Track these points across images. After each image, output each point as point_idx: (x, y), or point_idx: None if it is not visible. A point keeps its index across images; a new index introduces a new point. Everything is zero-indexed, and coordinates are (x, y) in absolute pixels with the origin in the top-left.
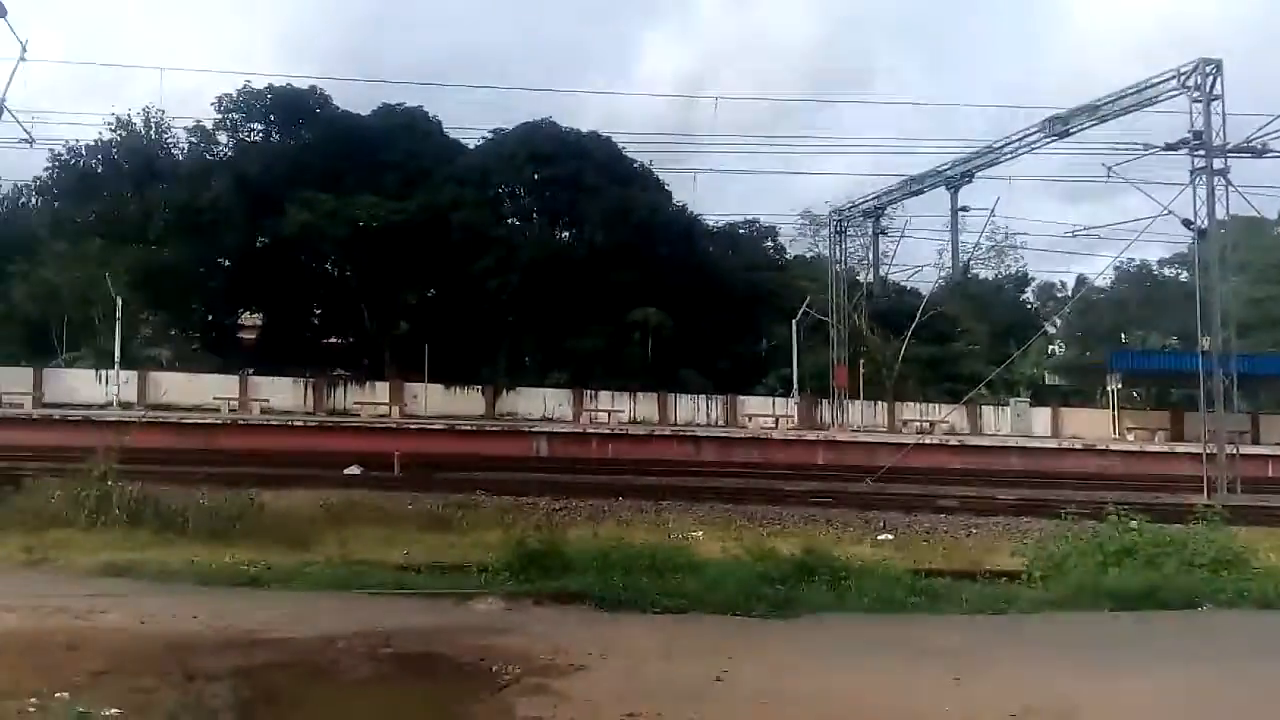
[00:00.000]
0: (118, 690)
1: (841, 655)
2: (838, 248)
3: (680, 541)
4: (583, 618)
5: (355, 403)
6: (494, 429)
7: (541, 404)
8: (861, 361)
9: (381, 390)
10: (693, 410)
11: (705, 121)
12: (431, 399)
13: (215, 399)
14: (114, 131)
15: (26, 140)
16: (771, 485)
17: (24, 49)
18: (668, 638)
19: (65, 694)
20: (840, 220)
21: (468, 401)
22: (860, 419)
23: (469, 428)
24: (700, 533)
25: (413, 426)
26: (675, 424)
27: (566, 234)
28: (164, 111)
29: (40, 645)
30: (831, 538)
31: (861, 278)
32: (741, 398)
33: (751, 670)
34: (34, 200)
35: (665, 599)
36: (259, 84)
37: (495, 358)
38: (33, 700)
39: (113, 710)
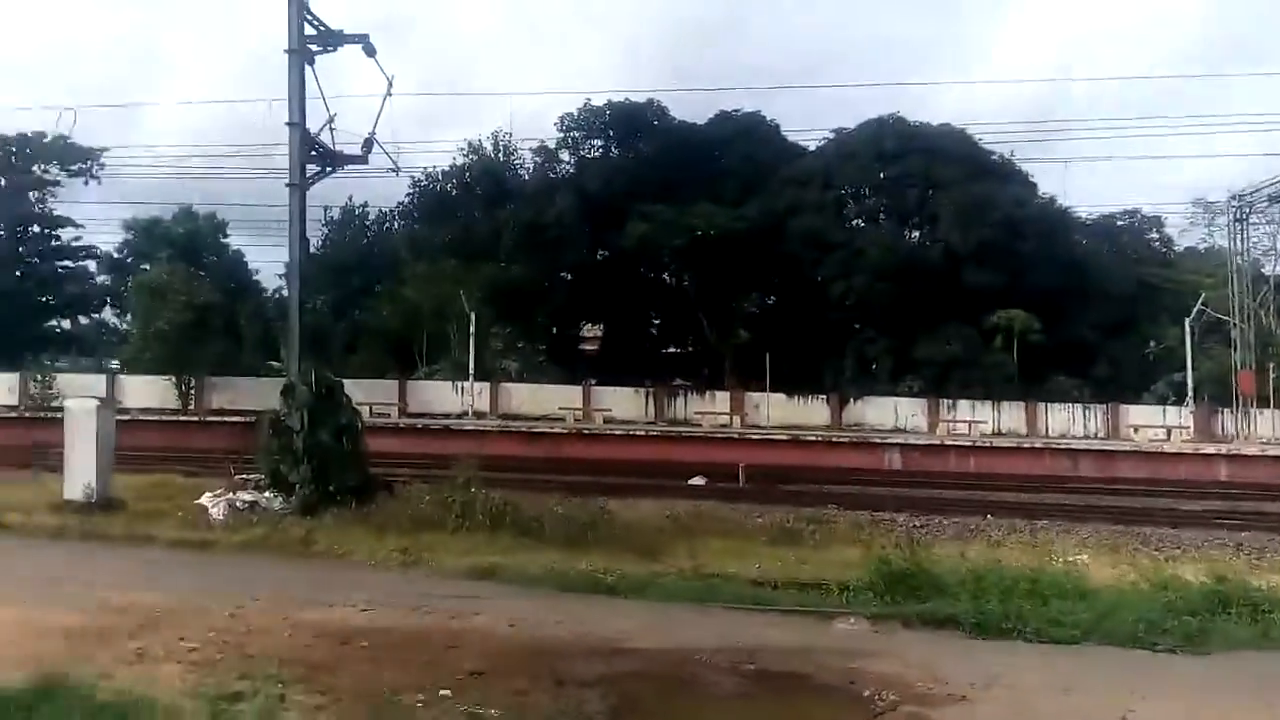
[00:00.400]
0: (494, 691)
1: (1272, 697)
2: (1239, 238)
3: (1064, 565)
4: (957, 644)
5: (695, 412)
6: (841, 440)
7: (892, 414)
8: (1271, 365)
9: (722, 400)
10: (1066, 421)
11: (1074, 107)
12: (773, 408)
13: (560, 409)
14: (466, 156)
15: (393, 170)
16: (1165, 504)
17: (390, 85)
18: (1059, 670)
19: (447, 691)
20: (1241, 207)
21: (811, 411)
22: (1271, 430)
23: (814, 438)
24: (1085, 556)
25: (755, 436)
26: (1046, 435)
27: (916, 234)
28: (511, 134)
29: (422, 642)
30: (1245, 564)
31: (1268, 270)
32: (1124, 407)
33: (1163, 711)
34: (397, 225)
35: (1051, 628)
36: (599, 101)
37: (840, 366)
38: (420, 696)
39: (493, 711)
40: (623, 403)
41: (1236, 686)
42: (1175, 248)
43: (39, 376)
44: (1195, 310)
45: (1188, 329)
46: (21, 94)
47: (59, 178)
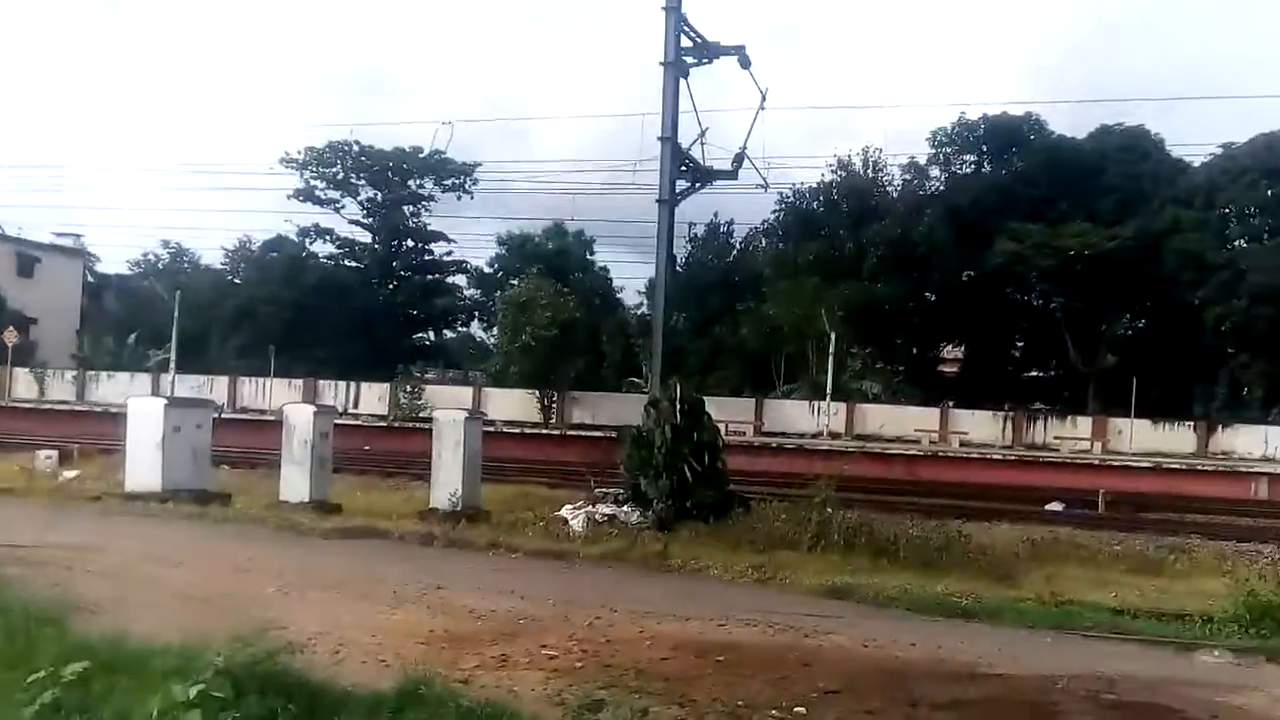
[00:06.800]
0: (847, 710)
1: None
2: None
3: None
4: None
5: (1055, 437)
6: (1205, 468)
7: (1263, 442)
8: None
9: (1083, 424)
10: None
11: None
12: (1136, 435)
13: (916, 431)
14: (834, 173)
15: (761, 186)
16: None
17: (764, 98)
18: None
19: (802, 710)
20: None
21: (1176, 438)
22: None
23: (1177, 466)
24: None
25: (1115, 463)
26: None
27: None
28: (881, 150)
29: (777, 659)
30: None
31: None
32: None
33: None
34: (761, 242)
35: None
36: (974, 115)
37: (1210, 392)
38: (773, 712)
39: None
40: (980, 426)
41: None
42: None
43: (409, 387)
44: None
45: None
46: (397, 110)
47: (433, 193)
